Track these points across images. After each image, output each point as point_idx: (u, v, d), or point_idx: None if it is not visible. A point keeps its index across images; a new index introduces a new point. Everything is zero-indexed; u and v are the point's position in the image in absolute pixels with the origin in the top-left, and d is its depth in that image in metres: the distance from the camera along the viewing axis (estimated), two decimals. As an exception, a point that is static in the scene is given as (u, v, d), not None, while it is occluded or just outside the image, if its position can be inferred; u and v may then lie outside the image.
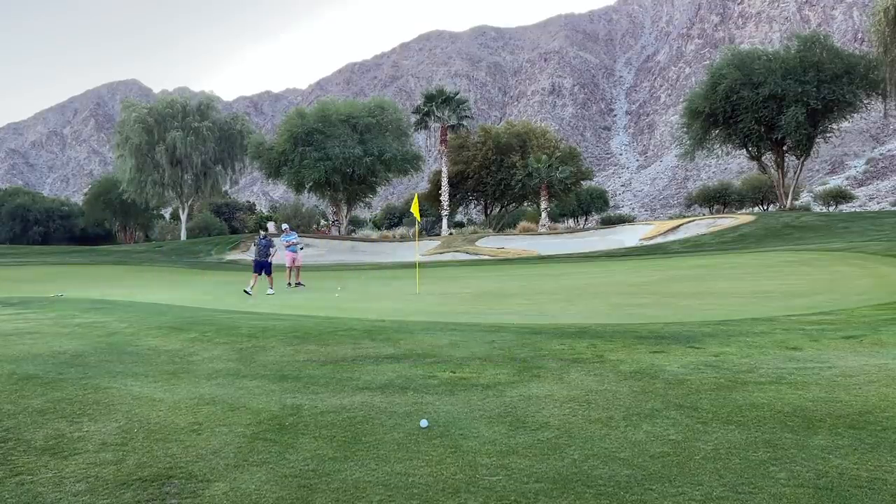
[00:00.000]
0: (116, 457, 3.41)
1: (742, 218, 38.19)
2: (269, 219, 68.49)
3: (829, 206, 73.39)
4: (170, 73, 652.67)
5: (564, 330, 7.34)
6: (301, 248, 19.86)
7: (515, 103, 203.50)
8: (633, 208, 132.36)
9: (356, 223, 74.52)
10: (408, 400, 4.48)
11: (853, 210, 70.60)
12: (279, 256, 18.52)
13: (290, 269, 19.44)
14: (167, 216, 74.89)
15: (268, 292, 16.25)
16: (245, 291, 15.93)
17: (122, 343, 7.07)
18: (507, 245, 39.85)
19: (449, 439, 3.60)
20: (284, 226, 21.68)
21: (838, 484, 2.82)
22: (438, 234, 53.38)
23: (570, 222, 79.81)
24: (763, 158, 47.38)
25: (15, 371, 5.55)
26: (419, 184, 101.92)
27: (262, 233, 19.69)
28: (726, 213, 60.69)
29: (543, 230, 49.21)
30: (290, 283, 18.88)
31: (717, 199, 75.63)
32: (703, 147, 46.94)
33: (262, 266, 16.98)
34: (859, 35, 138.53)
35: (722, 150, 48.44)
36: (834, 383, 4.48)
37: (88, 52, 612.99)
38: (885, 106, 42.35)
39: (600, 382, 4.77)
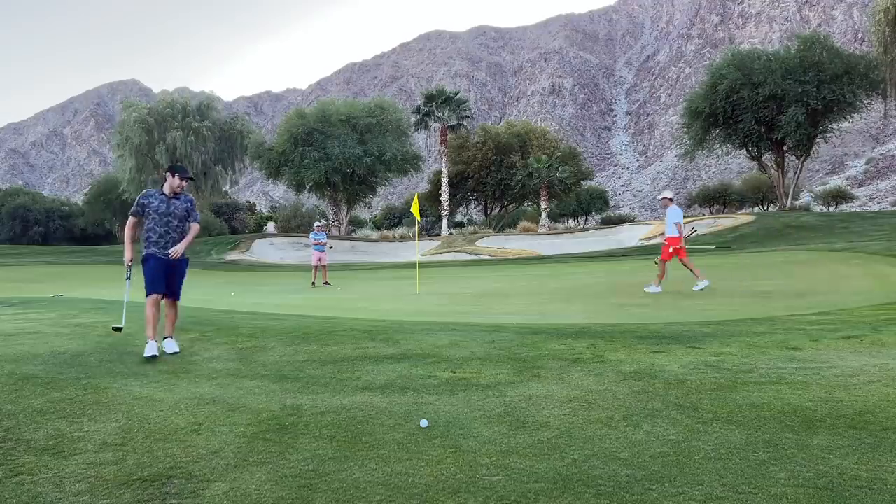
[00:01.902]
0: (116, 457, 3.41)
1: (742, 218, 38.18)
2: (269, 219, 68.48)
3: (829, 206, 73.40)
4: (170, 73, 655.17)
5: (564, 330, 7.34)
6: (331, 248, 19.82)
7: (515, 103, 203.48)
8: (633, 208, 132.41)
9: (356, 223, 74.51)
10: (408, 400, 4.48)
11: (853, 210, 70.59)
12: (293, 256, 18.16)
13: (316, 268, 19.34)
14: (167, 216, 74.76)
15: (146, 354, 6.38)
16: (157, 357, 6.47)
17: (122, 343, 7.06)
18: (507, 245, 39.85)
19: (449, 439, 3.60)
20: (316, 224, 21.33)
21: (838, 484, 2.82)
22: (438, 234, 53.39)
23: (570, 222, 79.78)
24: (763, 158, 47.38)
25: (15, 371, 5.55)
26: (419, 184, 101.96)
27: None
28: (726, 213, 60.70)
29: (543, 230, 49.20)
30: (314, 283, 18.81)
31: (717, 199, 75.63)
32: (703, 147, 46.93)
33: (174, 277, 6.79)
34: (859, 35, 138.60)
35: (722, 150, 48.44)
36: (834, 383, 4.48)
37: (88, 52, 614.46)
38: (885, 106, 42.36)
39: (600, 382, 4.77)
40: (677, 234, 12.53)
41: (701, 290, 11.78)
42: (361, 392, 4.73)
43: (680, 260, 12.65)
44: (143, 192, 6.76)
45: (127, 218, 7.07)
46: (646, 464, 3.14)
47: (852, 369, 4.86)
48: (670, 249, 12.59)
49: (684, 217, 14.23)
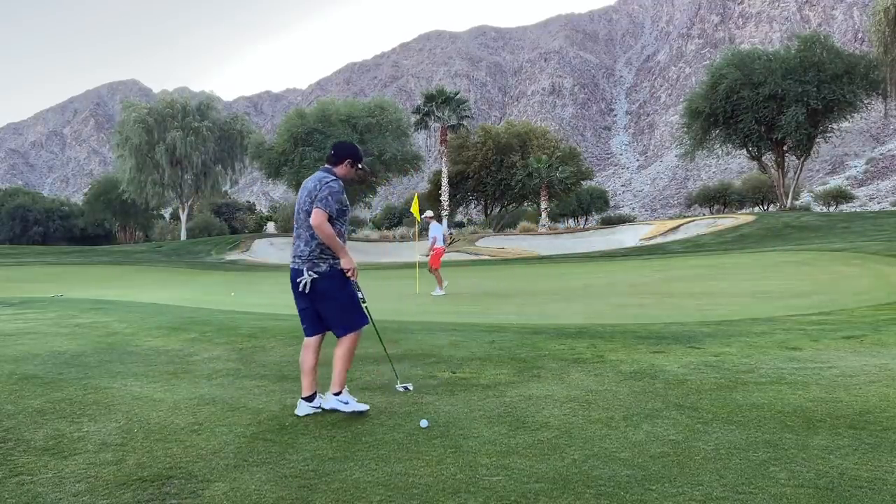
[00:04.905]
0: (116, 457, 3.41)
1: (742, 218, 38.16)
2: (268, 219, 68.47)
3: (829, 206, 73.37)
4: (170, 73, 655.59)
5: (564, 330, 7.34)
6: None
7: (515, 103, 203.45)
8: (633, 208, 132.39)
9: (356, 223, 74.51)
10: (408, 400, 4.48)
11: (853, 210, 70.56)
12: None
13: None
14: (167, 216, 74.86)
15: None
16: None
17: (122, 343, 7.06)
18: (507, 245, 39.85)
19: (449, 439, 3.60)
20: None
21: (838, 484, 2.82)
22: (438, 234, 53.33)
23: (570, 222, 79.79)
24: (763, 158, 47.36)
25: (15, 371, 5.55)
26: (419, 184, 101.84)
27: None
28: (726, 213, 60.68)
29: (543, 230, 49.19)
30: None
31: (718, 199, 75.61)
32: (703, 147, 46.90)
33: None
34: (859, 35, 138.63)
35: (722, 150, 48.40)
36: (834, 383, 4.48)
37: (88, 52, 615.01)
38: (885, 106, 42.32)
39: (600, 382, 4.77)
40: (442, 246, 15.32)
41: (435, 294, 13.99)
42: (361, 392, 4.73)
43: (432, 268, 14.86)
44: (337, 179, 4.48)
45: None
46: (646, 464, 3.14)
47: (852, 369, 4.86)
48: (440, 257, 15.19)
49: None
